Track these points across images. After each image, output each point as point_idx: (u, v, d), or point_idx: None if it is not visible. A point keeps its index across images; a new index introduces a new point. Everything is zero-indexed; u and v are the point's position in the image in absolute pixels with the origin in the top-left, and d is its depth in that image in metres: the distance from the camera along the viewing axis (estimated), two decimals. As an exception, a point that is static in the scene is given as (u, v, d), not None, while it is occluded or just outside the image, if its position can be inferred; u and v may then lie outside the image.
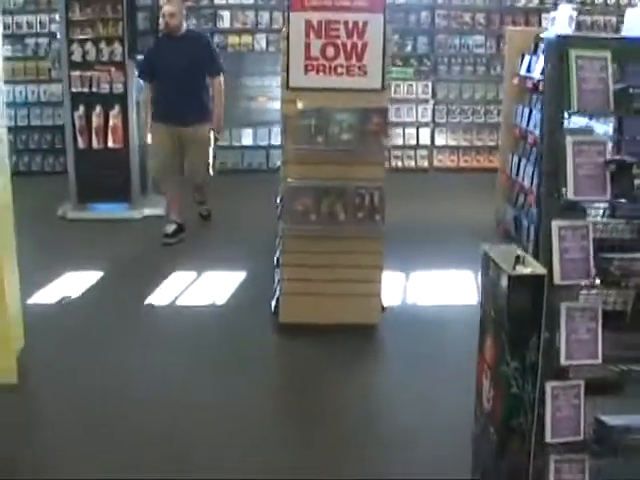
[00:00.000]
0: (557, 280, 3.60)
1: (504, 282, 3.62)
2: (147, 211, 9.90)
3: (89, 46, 9.89)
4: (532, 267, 3.66)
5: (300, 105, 5.84)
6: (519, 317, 3.59)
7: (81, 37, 9.90)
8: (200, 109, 8.82)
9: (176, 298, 7.20)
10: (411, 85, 12.76)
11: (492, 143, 12.34)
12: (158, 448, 4.77)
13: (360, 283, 6.20)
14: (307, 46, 5.96)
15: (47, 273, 7.77)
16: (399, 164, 12.85)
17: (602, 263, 3.60)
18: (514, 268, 3.66)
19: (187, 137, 8.76)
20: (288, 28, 5.96)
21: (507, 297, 3.60)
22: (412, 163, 12.91)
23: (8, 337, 5.56)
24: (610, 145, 4.33)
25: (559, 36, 3.66)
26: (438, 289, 7.30)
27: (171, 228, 8.91)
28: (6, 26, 12.48)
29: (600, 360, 3.70)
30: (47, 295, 7.32)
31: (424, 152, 12.93)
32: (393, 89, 12.59)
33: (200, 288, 7.44)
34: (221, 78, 8.85)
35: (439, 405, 5.07)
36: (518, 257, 3.75)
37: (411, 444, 4.80)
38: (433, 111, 12.86)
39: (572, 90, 3.50)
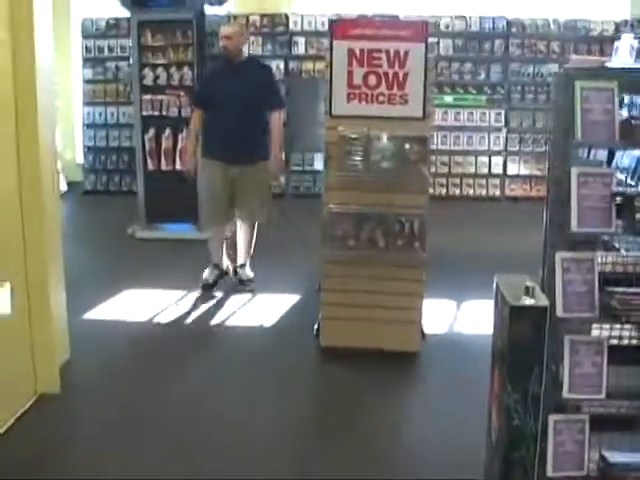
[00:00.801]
0: (560, 313, 3.58)
1: (506, 313, 3.62)
2: (213, 232, 10.02)
3: (160, 71, 10.17)
4: (538, 299, 3.65)
5: (341, 132, 5.93)
6: (520, 348, 3.58)
7: (153, 62, 10.18)
8: (259, 145, 7.69)
9: (227, 318, 7.31)
10: (484, 113, 12.78)
11: (564, 173, 12.20)
12: (188, 459, 4.85)
13: (400, 310, 6.20)
14: (350, 74, 6.02)
15: (108, 289, 7.97)
16: (470, 192, 12.84)
17: (604, 297, 3.58)
18: (521, 299, 3.65)
19: (243, 177, 7.70)
20: (331, 57, 6.03)
21: (508, 328, 3.59)
22: (484, 192, 12.87)
23: (52, 348, 5.70)
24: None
25: (565, 67, 3.67)
26: (486, 318, 7.23)
27: (213, 276, 8.08)
28: (88, 50, 12.90)
29: (604, 395, 3.66)
30: (105, 310, 7.50)
31: (496, 181, 12.89)
32: (466, 117, 12.67)
33: (252, 309, 7.53)
34: (281, 113, 7.87)
35: (470, 434, 5.01)
36: (527, 288, 3.74)
37: (434, 469, 4.79)
38: (506, 139, 12.84)
39: (576, 121, 3.50)
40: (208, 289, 7.94)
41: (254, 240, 8.12)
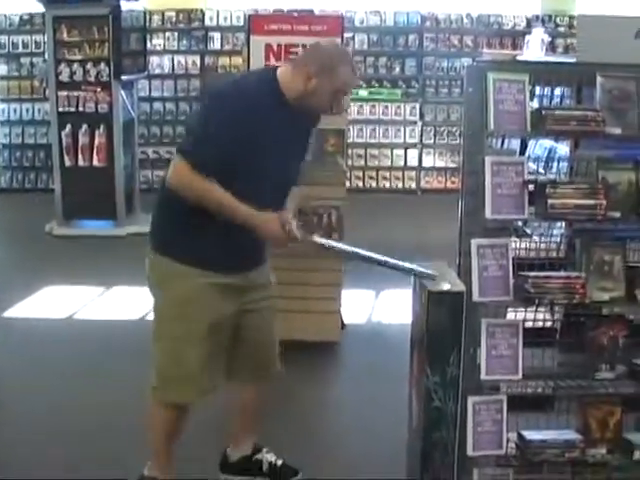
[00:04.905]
0: (476, 297, 3.70)
1: (424, 298, 3.72)
2: (131, 229, 9.98)
3: (76, 67, 10.12)
4: (455, 284, 3.76)
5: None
6: (438, 332, 3.68)
7: (68, 58, 10.13)
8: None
9: (147, 314, 7.28)
10: (399, 107, 12.94)
11: (479, 165, 12.41)
12: (116, 462, 4.77)
13: (319, 300, 6.27)
14: (267, 69, 6.09)
15: (27, 287, 7.92)
16: (386, 185, 12.98)
17: (518, 281, 3.70)
18: (438, 285, 3.76)
19: (253, 289, 4.26)
20: (248, 52, 6.09)
21: (427, 313, 3.69)
22: (400, 184, 13.04)
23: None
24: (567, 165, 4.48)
25: (478, 60, 3.80)
26: (405, 307, 7.36)
27: None
28: (2, 45, 12.76)
29: (520, 376, 3.79)
30: (24, 308, 7.46)
31: (412, 173, 13.07)
32: (381, 110, 12.84)
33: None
34: None
35: (392, 419, 5.07)
36: (444, 274, 3.86)
37: (357, 454, 4.89)
38: (421, 133, 13.02)
39: (489, 112, 3.62)
40: None
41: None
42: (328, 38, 5.96)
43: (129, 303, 7.58)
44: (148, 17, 12.01)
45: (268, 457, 4.56)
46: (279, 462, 4.56)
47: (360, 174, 12.94)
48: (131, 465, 4.54)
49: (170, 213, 3.96)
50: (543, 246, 4.03)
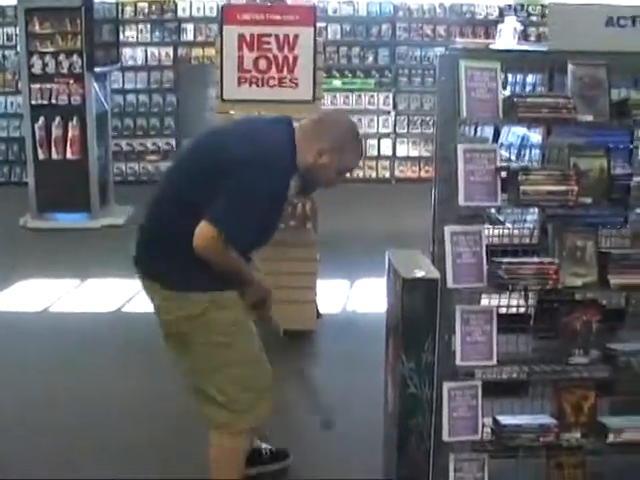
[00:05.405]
0: (450, 284, 3.73)
1: (399, 286, 3.75)
2: (106, 221, 10.02)
3: (49, 59, 10.08)
4: (430, 271, 3.78)
5: (232, 116, 5.98)
6: (412, 319, 3.72)
7: (41, 50, 10.09)
8: None
9: (124, 305, 7.29)
10: (372, 96, 12.95)
11: (453, 154, 12.45)
12: (98, 455, 4.81)
13: (295, 289, 6.28)
14: (240, 59, 6.10)
15: (0, 281, 7.88)
16: (360, 175, 12.95)
17: (492, 267, 3.73)
18: (412, 272, 3.78)
19: None
20: (221, 42, 6.09)
21: (401, 300, 3.72)
22: (374, 174, 13.06)
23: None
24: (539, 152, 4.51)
25: (450, 48, 3.83)
26: (378, 296, 7.39)
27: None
28: (-27, 39, 12.65)
29: (495, 362, 3.83)
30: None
31: (385, 163, 13.09)
32: (354, 100, 12.85)
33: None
34: None
35: (369, 406, 5.08)
36: (419, 262, 3.89)
37: (335, 442, 4.90)
38: (394, 122, 13.03)
39: (461, 100, 3.64)
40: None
41: None
42: (301, 28, 6.01)
43: (104, 295, 7.58)
44: (120, 8, 12.01)
45: (262, 445, 4.64)
46: (273, 448, 4.68)
47: (334, 164, 12.92)
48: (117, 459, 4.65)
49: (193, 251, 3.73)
50: (516, 232, 4.08)
